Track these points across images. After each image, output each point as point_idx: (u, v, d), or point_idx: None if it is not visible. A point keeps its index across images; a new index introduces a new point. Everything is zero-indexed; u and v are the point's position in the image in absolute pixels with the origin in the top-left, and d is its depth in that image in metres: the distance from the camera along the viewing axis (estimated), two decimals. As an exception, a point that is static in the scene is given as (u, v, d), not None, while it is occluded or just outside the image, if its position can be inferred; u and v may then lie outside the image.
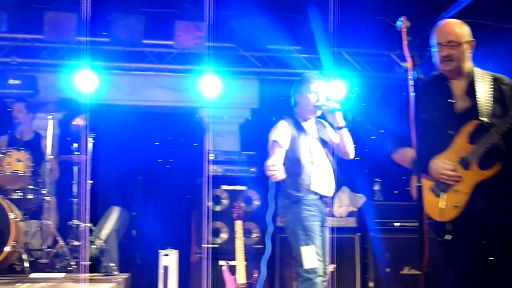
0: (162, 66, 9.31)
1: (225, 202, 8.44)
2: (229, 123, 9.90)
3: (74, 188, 7.91)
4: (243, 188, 8.50)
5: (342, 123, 5.67)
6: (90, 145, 7.92)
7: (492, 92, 4.26)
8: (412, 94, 3.72)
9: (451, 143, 4.21)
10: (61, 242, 7.55)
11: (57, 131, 8.74)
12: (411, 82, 3.74)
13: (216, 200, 8.44)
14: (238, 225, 7.42)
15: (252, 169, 8.72)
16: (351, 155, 5.80)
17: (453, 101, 4.31)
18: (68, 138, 8.62)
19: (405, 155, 4.37)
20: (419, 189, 3.64)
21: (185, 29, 8.39)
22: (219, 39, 9.00)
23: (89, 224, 7.69)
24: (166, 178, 10.08)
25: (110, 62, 9.09)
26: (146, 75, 9.51)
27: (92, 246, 7.75)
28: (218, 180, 8.54)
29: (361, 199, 8.60)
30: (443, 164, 4.16)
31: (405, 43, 3.90)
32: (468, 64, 4.37)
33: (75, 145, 7.98)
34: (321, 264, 5.50)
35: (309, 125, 5.87)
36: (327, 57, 9.25)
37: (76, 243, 7.60)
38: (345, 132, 5.70)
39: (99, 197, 8.50)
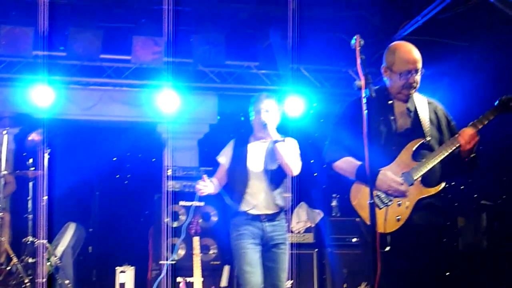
0: (120, 81, 9.24)
1: (183, 218, 8.39)
2: (187, 138, 9.86)
3: (29, 204, 7.80)
4: (201, 204, 8.46)
5: (275, 137, 5.64)
6: (46, 161, 7.80)
7: (429, 115, 4.46)
8: (365, 112, 3.77)
9: (396, 158, 4.29)
10: (14, 259, 7.41)
11: (12, 146, 8.62)
12: (364, 100, 3.78)
13: (174, 216, 8.39)
14: (196, 241, 7.38)
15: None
16: (293, 171, 5.64)
17: (395, 119, 4.41)
18: (23, 154, 8.52)
19: (349, 164, 4.41)
20: (372, 206, 3.68)
21: (143, 44, 8.36)
22: (177, 54, 8.99)
23: (44, 241, 7.57)
24: (123, 194, 10.01)
25: (67, 76, 8.99)
26: (104, 89, 9.42)
27: (47, 263, 7.63)
28: (176, 196, 8.50)
29: (318, 214, 8.63)
30: (392, 177, 4.22)
31: (358, 61, 3.94)
32: None
33: (31, 160, 7.87)
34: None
35: (257, 144, 5.85)
36: (286, 73, 9.30)
37: (30, 260, 7.48)
38: (281, 147, 5.60)
39: (55, 213, 8.39)
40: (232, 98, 9.94)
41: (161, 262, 8.22)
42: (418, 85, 4.44)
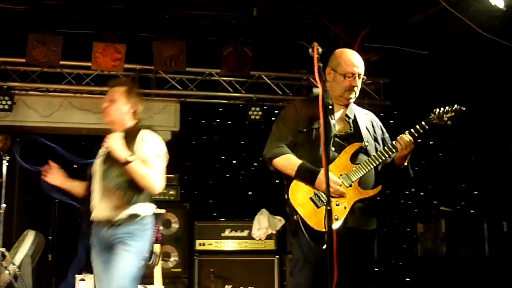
0: (81, 87, 9.18)
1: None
2: (149, 145, 9.81)
3: (-12, 212, 7.70)
4: (162, 211, 8.43)
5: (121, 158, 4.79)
6: (4, 168, 7.70)
7: (366, 124, 4.59)
8: (322, 120, 3.83)
9: (335, 160, 4.35)
10: (-28, 268, 7.32)
11: (-30, 153, 8.51)
12: (322, 108, 3.82)
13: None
14: (156, 248, 7.35)
15: (172, 192, 8.67)
16: (149, 188, 4.85)
17: (334, 122, 4.47)
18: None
19: (289, 162, 4.43)
20: (329, 213, 3.70)
21: (103, 51, 8.31)
22: (138, 61, 8.97)
23: (2, 249, 7.47)
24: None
25: (27, 83, 8.91)
26: (64, 96, 9.34)
27: (5, 271, 7.54)
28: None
29: (280, 221, 8.64)
30: (332, 177, 4.20)
31: (316, 69, 3.98)
32: None
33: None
34: None
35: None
36: (247, 80, 9.34)
37: (-12, 268, 7.39)
38: (130, 169, 4.77)
39: (14, 221, 8.31)
40: (194, 105, 9.94)
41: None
42: (358, 92, 4.53)
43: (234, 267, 8.32)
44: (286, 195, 4.44)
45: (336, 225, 4.19)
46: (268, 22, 8.45)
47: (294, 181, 4.39)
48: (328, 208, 3.72)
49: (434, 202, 9.89)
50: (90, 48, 8.41)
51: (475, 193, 9.73)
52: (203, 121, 10.41)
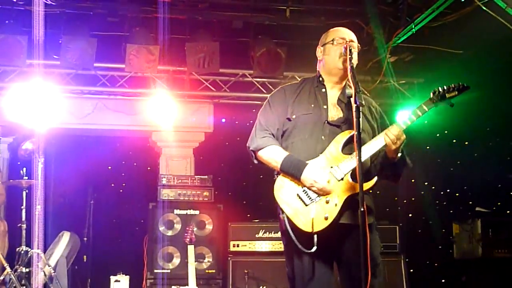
0: (115, 89, 9.23)
1: (178, 226, 8.39)
2: (183, 147, 9.85)
3: (23, 214, 7.79)
4: (196, 212, 8.46)
5: None
6: (40, 170, 7.78)
7: (363, 111, 4.14)
8: (355, 120, 3.75)
9: (325, 151, 4.09)
10: (8, 269, 7.38)
11: (6, 155, 8.61)
12: (354, 108, 3.75)
13: (169, 224, 8.38)
14: (191, 250, 7.38)
15: (206, 194, 8.69)
16: None
17: (327, 108, 4.23)
18: (18, 163, 8.51)
19: (275, 153, 4.16)
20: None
21: (137, 53, 8.34)
22: (171, 63, 9.00)
23: (38, 250, 7.54)
24: (118, 203, 10.00)
25: (62, 85, 8.99)
26: (99, 98, 9.41)
27: (41, 272, 7.60)
28: (170, 205, 8.49)
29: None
30: (318, 173, 3.99)
31: (349, 69, 3.95)
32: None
33: (24, 169, 7.87)
34: None
35: None
36: (280, 81, 9.32)
37: (24, 270, 7.46)
38: None
39: (49, 222, 8.37)
40: (227, 107, 9.95)
41: (156, 271, 8.21)
42: (355, 63, 4.15)
43: (268, 268, 8.29)
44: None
45: (325, 224, 3.94)
46: (301, 23, 8.43)
47: (280, 176, 4.12)
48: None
49: (470, 202, 9.79)
50: (124, 50, 8.46)
51: (511, 193, 9.60)
52: (237, 122, 10.41)
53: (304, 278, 4.05)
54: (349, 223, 3.97)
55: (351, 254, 3.99)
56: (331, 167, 4.03)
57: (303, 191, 4.03)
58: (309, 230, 3.93)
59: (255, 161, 4.33)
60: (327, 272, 4.10)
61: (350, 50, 4.03)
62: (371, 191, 4.15)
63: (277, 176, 4.18)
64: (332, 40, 4.27)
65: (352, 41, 4.27)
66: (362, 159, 3.84)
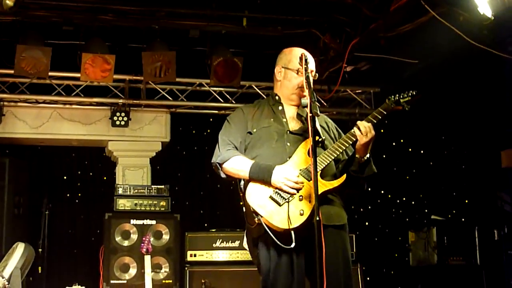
0: (70, 98, 9.14)
1: (134, 237, 8.32)
2: (139, 156, 9.79)
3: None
4: (153, 222, 8.41)
5: None
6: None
7: (320, 123, 4.34)
8: (311, 129, 3.78)
9: (291, 157, 4.17)
10: (-40, 281, 7.25)
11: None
12: (309, 117, 3.81)
13: (125, 235, 8.31)
14: (147, 260, 7.32)
15: (162, 203, 8.63)
16: None
17: (286, 121, 4.35)
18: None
19: (241, 163, 4.22)
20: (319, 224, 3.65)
21: (92, 62, 8.27)
22: (127, 71, 8.95)
23: (-9, 262, 7.42)
24: (74, 213, 9.90)
25: (16, 94, 8.89)
26: (54, 107, 9.31)
27: (-5, 284, 7.48)
28: (127, 215, 8.43)
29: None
30: (287, 172, 4.07)
31: (304, 79, 4.00)
32: None
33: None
34: None
35: None
36: (238, 90, 9.31)
37: (-23, 282, 7.32)
38: None
39: (3, 233, 8.26)
40: (185, 116, 9.92)
41: (112, 281, 8.13)
42: (311, 88, 4.10)
43: (226, 278, 8.27)
44: (242, 201, 4.21)
45: (301, 220, 3.99)
46: (258, 32, 8.45)
47: (250, 183, 4.16)
48: (317, 218, 3.63)
49: (425, 210, 9.91)
50: (79, 59, 8.37)
51: (466, 201, 9.74)
52: (194, 131, 10.40)
53: (287, 278, 4.07)
54: (323, 223, 3.85)
55: (326, 255, 3.84)
56: (300, 169, 4.11)
57: (275, 193, 4.08)
58: (286, 226, 3.97)
59: (223, 175, 4.37)
60: (303, 271, 4.12)
61: (308, 77, 4.03)
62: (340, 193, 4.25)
63: (245, 185, 4.21)
64: (297, 70, 4.36)
65: (312, 70, 4.32)
66: (332, 157, 4.09)
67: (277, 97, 4.50)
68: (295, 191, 4.06)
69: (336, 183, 4.12)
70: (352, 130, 4.14)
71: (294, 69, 4.37)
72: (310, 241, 3.81)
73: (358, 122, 4.13)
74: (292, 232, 3.96)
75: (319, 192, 3.80)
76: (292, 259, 4.06)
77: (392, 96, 4.26)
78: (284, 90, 4.44)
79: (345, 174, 4.13)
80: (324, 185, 4.06)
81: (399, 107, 4.24)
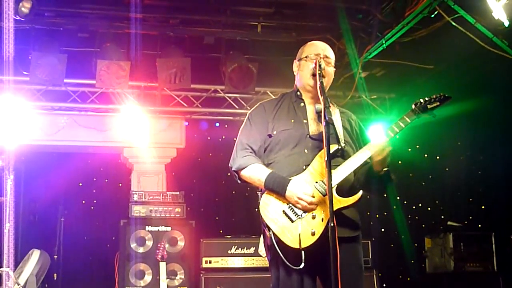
0: (86, 105, 9.18)
1: (149, 243, 8.32)
2: (154, 163, 9.80)
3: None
4: (168, 229, 8.41)
5: None
6: (9, 187, 7.68)
7: (342, 123, 4.26)
8: (325, 133, 3.73)
9: (309, 165, 4.07)
10: (-24, 288, 7.28)
11: (-26, 172, 8.49)
12: (324, 123, 3.74)
13: (140, 241, 8.31)
14: (162, 266, 7.32)
15: (177, 210, 8.63)
16: None
17: (307, 123, 4.23)
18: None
19: (258, 171, 4.14)
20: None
21: (108, 69, 8.29)
22: (143, 78, 8.96)
23: (7, 269, 7.44)
24: (89, 220, 9.92)
25: (32, 101, 8.92)
26: (69, 114, 9.34)
27: (11, 291, 7.50)
28: (142, 221, 8.43)
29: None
30: (302, 189, 3.96)
31: (318, 85, 3.95)
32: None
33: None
34: None
35: None
36: (252, 96, 9.31)
37: (-8, 288, 7.35)
38: None
39: (19, 240, 8.28)
40: (200, 122, 9.93)
41: (127, 288, 8.14)
42: (330, 78, 4.21)
43: (241, 284, 8.26)
44: (257, 208, 4.14)
45: (312, 240, 3.90)
46: (272, 39, 8.45)
47: (265, 193, 4.09)
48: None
49: (442, 217, 9.83)
50: (94, 66, 8.40)
51: (482, 207, 9.66)
52: (209, 138, 10.40)
53: None
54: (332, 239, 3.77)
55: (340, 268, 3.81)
56: (316, 182, 4.01)
57: (289, 208, 4.00)
58: (297, 246, 3.90)
59: (239, 181, 4.31)
60: None
61: (320, 66, 4.02)
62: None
63: (262, 193, 4.15)
64: (306, 57, 4.30)
65: (326, 56, 4.27)
66: (348, 172, 3.95)
67: (298, 93, 4.41)
68: (307, 211, 3.97)
69: (351, 200, 3.98)
70: (367, 145, 4.05)
71: (304, 56, 4.32)
72: (322, 258, 3.80)
73: (369, 144, 4.04)
74: (303, 252, 3.88)
75: (334, 209, 3.71)
76: (302, 279, 3.99)
77: (419, 101, 4.09)
78: (301, 81, 4.35)
79: (361, 191, 4.00)
80: (339, 202, 3.95)
81: (426, 114, 4.09)
